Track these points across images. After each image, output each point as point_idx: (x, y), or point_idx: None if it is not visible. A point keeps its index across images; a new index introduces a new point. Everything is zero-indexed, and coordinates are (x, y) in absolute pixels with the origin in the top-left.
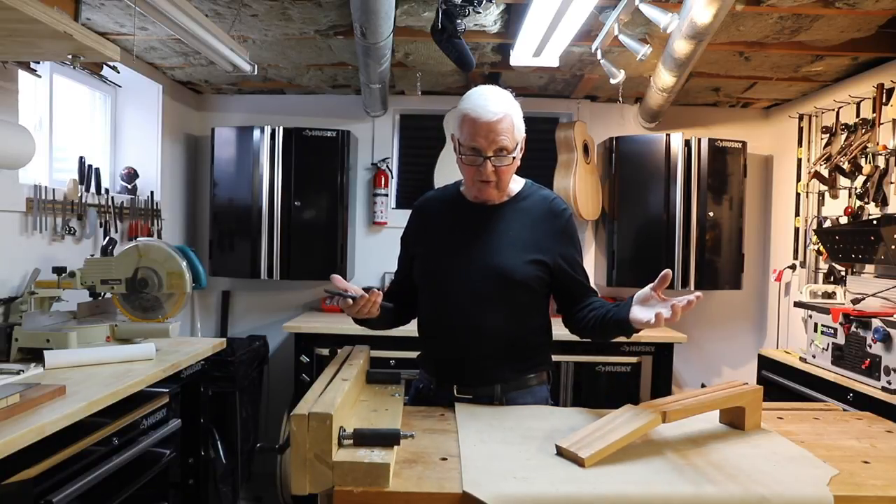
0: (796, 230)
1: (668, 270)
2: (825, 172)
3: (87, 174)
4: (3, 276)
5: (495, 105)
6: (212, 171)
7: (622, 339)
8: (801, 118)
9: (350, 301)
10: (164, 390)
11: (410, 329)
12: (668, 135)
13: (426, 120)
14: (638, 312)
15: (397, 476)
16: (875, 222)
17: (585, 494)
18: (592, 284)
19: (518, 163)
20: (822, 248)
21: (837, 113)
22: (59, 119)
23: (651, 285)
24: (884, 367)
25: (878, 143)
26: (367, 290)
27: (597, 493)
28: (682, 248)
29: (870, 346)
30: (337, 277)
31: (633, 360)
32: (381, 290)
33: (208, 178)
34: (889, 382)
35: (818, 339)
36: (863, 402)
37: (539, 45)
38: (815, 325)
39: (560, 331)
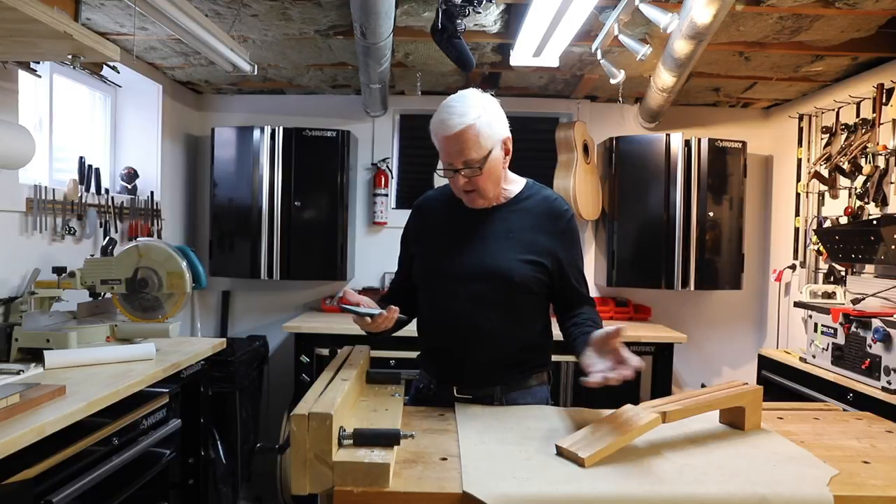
0: (796, 230)
1: (624, 326)
2: (825, 172)
3: (87, 174)
4: (3, 276)
5: (457, 118)
6: (212, 171)
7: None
8: (801, 118)
9: (368, 319)
10: (164, 390)
11: (410, 329)
12: (668, 135)
13: (426, 120)
14: (588, 359)
15: (397, 476)
16: (875, 222)
17: (585, 494)
18: (592, 284)
19: (500, 166)
20: (822, 248)
21: (837, 113)
22: (59, 119)
23: (608, 330)
24: (884, 367)
25: (878, 143)
26: (366, 289)
27: (597, 493)
28: (682, 248)
29: (870, 346)
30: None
31: None
32: (381, 290)
33: (208, 178)
34: (889, 382)
35: (818, 339)
36: (863, 402)
37: (539, 45)
38: (815, 325)
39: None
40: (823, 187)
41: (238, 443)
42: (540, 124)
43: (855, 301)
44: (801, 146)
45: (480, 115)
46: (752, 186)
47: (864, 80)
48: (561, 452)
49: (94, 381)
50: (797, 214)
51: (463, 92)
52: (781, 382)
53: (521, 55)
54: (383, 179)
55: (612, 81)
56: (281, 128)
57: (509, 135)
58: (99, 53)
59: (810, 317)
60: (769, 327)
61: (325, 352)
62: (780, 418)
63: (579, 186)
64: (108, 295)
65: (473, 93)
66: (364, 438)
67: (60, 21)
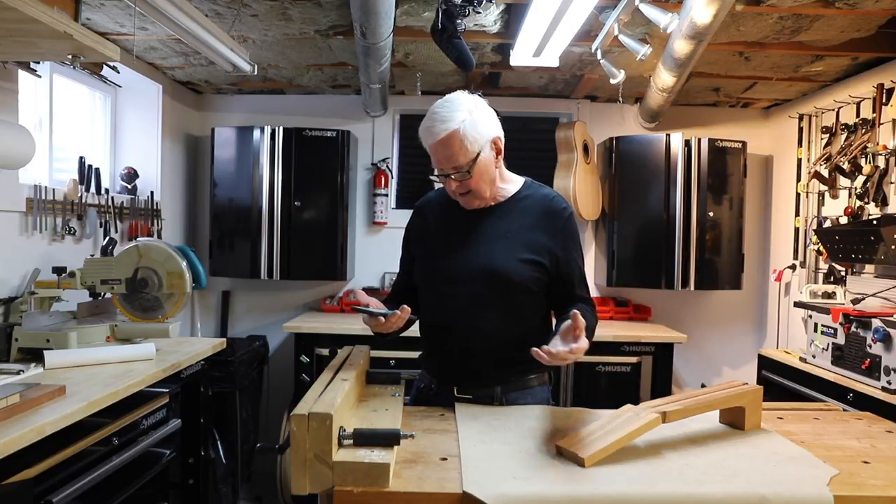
0: (796, 230)
1: (578, 317)
2: (825, 172)
3: (87, 174)
4: (3, 276)
5: (440, 124)
6: (212, 171)
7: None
8: (801, 118)
9: (382, 319)
10: (164, 390)
11: (411, 329)
12: (668, 135)
13: None
14: (552, 346)
15: (397, 476)
16: (875, 222)
17: (585, 494)
18: (592, 284)
19: (492, 167)
20: (822, 248)
21: (837, 113)
22: (59, 119)
23: (568, 323)
24: (884, 367)
25: (878, 143)
26: (366, 289)
27: (597, 493)
28: (682, 248)
29: (870, 346)
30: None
31: (633, 360)
32: (381, 290)
33: (208, 178)
34: (889, 382)
35: (818, 339)
36: (863, 402)
37: (539, 45)
38: (815, 325)
39: None
40: (823, 187)
41: (238, 443)
42: (540, 124)
43: (855, 301)
44: (801, 146)
45: (465, 119)
46: (752, 186)
47: (864, 80)
48: (561, 452)
49: (94, 381)
50: (797, 214)
51: (449, 96)
52: (781, 382)
53: (521, 55)
54: (383, 179)
55: (612, 81)
56: (281, 128)
57: (500, 134)
58: (99, 53)
59: (810, 317)
60: (769, 327)
61: (325, 352)
62: (780, 418)
63: (579, 186)
64: (108, 295)
65: (459, 95)
66: (364, 438)
67: (60, 21)
